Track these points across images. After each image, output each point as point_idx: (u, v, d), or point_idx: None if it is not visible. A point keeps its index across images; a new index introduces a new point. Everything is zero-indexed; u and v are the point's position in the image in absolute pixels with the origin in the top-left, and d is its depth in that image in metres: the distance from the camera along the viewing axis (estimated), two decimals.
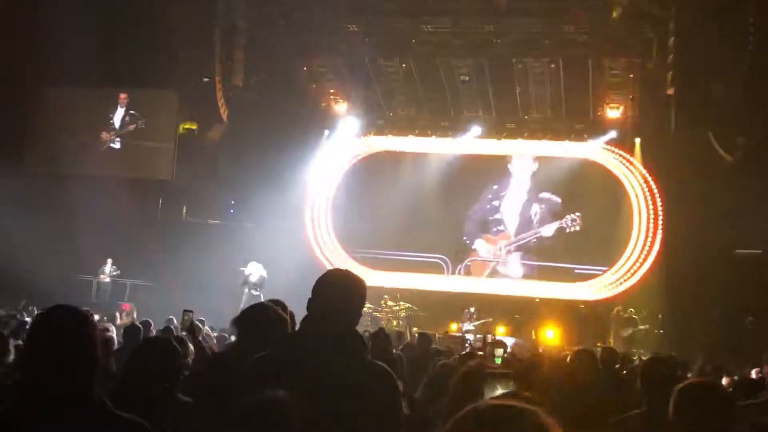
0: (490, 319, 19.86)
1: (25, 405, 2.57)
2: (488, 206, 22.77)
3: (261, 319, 3.95)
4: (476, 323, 19.67)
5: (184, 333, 6.42)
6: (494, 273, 22.39)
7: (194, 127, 22.22)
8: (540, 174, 22.42)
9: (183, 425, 3.71)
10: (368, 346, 3.35)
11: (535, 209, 22.23)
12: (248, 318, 4.04)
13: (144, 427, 2.70)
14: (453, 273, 22.39)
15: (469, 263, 22.45)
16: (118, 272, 20.41)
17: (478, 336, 17.46)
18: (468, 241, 22.74)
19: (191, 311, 5.93)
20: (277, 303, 4.55)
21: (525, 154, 22.60)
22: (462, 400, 1.65)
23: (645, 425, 3.88)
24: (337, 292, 3.28)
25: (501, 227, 22.61)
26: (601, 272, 21.18)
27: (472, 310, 20.04)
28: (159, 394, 3.83)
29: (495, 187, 22.81)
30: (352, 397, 3.03)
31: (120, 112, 22.64)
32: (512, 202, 22.65)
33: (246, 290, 18.57)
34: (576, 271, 21.36)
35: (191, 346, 6.16)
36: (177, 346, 4.12)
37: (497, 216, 22.68)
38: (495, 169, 22.89)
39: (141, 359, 4.02)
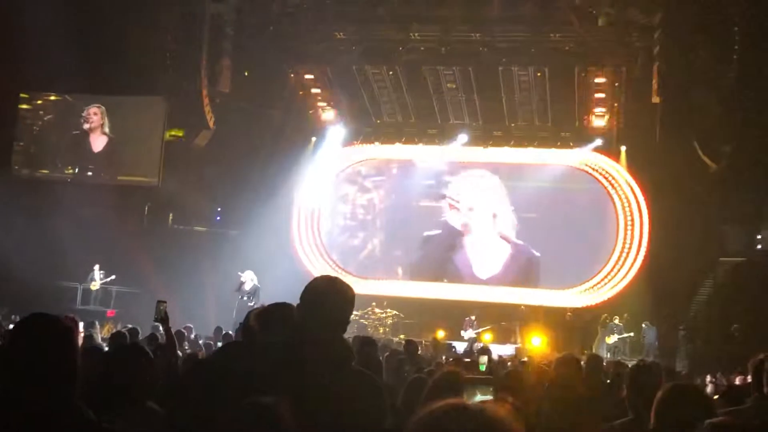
0: (488, 327, 19.90)
1: (5, 418, 2.48)
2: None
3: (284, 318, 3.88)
4: (478, 330, 19.71)
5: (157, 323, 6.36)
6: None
7: (181, 134, 22.17)
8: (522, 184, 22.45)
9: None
10: (354, 353, 3.34)
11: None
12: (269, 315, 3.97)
13: None
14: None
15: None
16: (112, 278, 20.22)
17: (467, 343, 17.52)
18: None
19: (165, 301, 5.91)
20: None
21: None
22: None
23: None
24: (325, 299, 3.26)
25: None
26: (586, 280, 21.22)
27: (473, 317, 20.05)
28: (129, 401, 3.80)
29: None
30: (337, 406, 3.02)
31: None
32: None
33: (239, 297, 18.55)
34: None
35: (179, 353, 6.14)
36: (149, 354, 4.09)
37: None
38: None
39: (110, 367, 3.99)
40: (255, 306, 16.70)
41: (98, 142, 22.52)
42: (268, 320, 4.13)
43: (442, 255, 22.41)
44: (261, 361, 3.41)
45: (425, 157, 23.13)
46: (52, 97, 23.16)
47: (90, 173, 22.59)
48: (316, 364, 3.12)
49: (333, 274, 22.22)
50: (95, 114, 22.46)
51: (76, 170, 22.61)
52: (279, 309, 3.99)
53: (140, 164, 22.49)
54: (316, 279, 3.42)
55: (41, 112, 23.20)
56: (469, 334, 19.54)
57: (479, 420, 1.50)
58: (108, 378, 3.89)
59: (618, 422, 4.09)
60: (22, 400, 2.49)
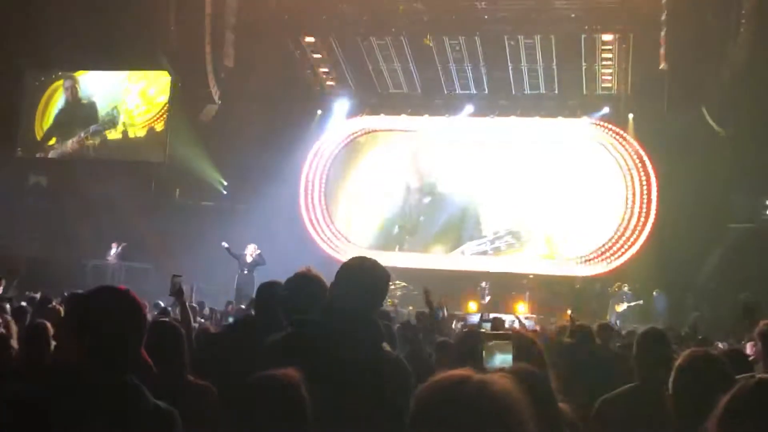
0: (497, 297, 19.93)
1: (67, 389, 2.48)
2: None
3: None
4: (489, 298, 19.75)
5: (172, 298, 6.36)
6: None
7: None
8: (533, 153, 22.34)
9: (196, 406, 3.69)
10: (384, 334, 3.35)
11: None
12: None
13: (175, 417, 2.65)
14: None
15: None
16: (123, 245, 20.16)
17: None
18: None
19: (180, 275, 5.92)
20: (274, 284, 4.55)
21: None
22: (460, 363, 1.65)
23: (636, 399, 3.89)
24: (361, 280, 3.29)
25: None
26: (595, 249, 21.21)
27: (485, 284, 20.05)
28: (171, 376, 3.81)
29: None
30: (364, 385, 3.03)
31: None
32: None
33: (240, 270, 18.58)
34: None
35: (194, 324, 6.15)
36: (180, 327, 4.10)
37: None
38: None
39: (150, 343, 3.99)
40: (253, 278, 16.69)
41: None
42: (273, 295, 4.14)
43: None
44: (280, 338, 3.41)
45: (431, 128, 23.04)
46: (55, 74, 23.14)
47: (96, 150, 22.68)
48: (346, 343, 3.13)
49: (341, 246, 22.41)
50: None
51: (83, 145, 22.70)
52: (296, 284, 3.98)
53: (146, 140, 22.56)
54: (352, 259, 3.46)
55: (45, 89, 23.19)
56: (485, 301, 19.54)
57: (482, 392, 1.50)
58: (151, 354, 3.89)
59: (621, 389, 4.10)
60: (87, 374, 2.48)
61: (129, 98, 22.72)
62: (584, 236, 21.33)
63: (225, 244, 18.28)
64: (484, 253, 22.15)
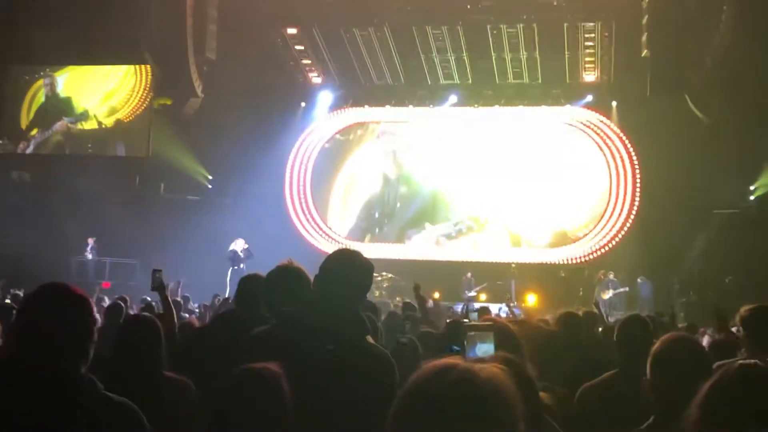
0: (485, 285, 19.96)
1: (11, 385, 2.47)
2: None
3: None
4: (477, 289, 19.79)
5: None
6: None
7: (169, 102, 22.04)
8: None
9: (172, 402, 3.68)
10: (369, 328, 3.34)
11: None
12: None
13: (133, 411, 2.62)
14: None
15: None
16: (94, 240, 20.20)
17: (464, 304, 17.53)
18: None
19: (160, 270, 5.88)
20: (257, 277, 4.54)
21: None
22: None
23: (616, 386, 3.88)
24: (344, 273, 3.28)
25: None
26: (579, 236, 21.30)
27: (470, 275, 20.13)
28: (147, 371, 3.79)
29: None
30: (347, 379, 3.03)
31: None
32: None
33: (231, 266, 18.59)
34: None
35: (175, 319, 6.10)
36: (158, 322, 4.07)
37: None
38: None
39: (125, 338, 3.97)
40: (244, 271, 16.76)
41: None
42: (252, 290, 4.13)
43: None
44: (264, 332, 3.41)
45: (415, 118, 23.07)
46: (38, 72, 23.05)
47: (78, 145, 22.67)
48: (330, 337, 3.13)
49: (326, 239, 22.43)
50: None
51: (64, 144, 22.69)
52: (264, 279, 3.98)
53: (128, 134, 22.50)
54: (335, 251, 3.44)
55: (30, 87, 23.12)
56: (468, 293, 19.61)
57: (471, 379, 1.49)
58: (122, 351, 3.87)
59: (605, 375, 4.08)
60: (30, 368, 2.47)
61: (101, 90, 22.69)
62: (569, 223, 21.42)
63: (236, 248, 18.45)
64: (449, 236, 22.32)
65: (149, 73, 22.07)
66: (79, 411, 2.49)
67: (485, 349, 2.74)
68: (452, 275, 20.28)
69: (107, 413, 2.55)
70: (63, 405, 2.47)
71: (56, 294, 2.61)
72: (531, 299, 18.78)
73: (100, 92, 22.65)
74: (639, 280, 19.16)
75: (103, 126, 22.49)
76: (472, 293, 19.60)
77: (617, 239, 20.80)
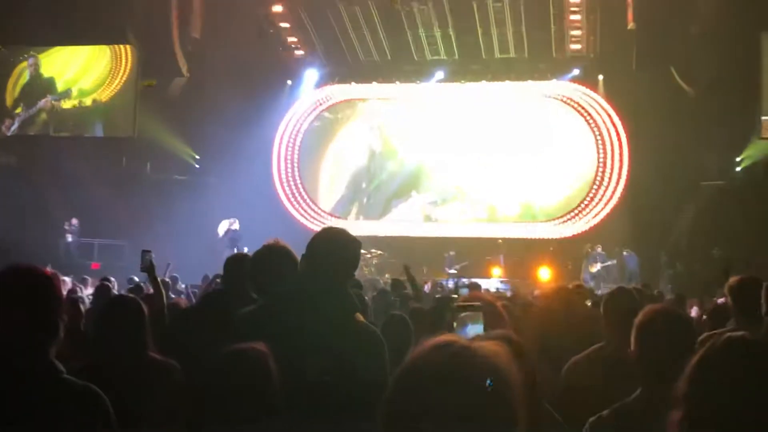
0: (466, 263, 19.98)
1: None
2: None
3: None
4: (458, 266, 19.82)
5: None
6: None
7: (154, 82, 21.87)
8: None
9: (156, 384, 3.66)
10: (357, 305, 3.33)
11: None
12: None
13: (95, 396, 2.54)
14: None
15: None
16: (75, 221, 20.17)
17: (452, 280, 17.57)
18: None
19: (150, 251, 5.84)
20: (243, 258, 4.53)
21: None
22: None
23: (602, 359, 3.89)
24: (331, 251, 3.26)
25: None
26: (568, 211, 21.35)
27: (452, 253, 20.17)
28: (130, 353, 3.76)
29: None
30: (335, 358, 3.02)
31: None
32: None
33: (224, 246, 18.60)
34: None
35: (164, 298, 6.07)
36: (142, 303, 4.04)
37: None
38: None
39: (108, 319, 3.93)
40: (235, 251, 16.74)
41: None
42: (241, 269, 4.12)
43: None
44: (251, 311, 3.40)
45: (402, 95, 23.01)
46: (20, 50, 22.88)
47: (64, 126, 22.57)
48: (318, 315, 3.12)
49: (315, 217, 22.41)
50: None
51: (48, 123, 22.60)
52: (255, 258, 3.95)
53: (114, 115, 22.41)
54: (322, 230, 3.43)
55: (14, 67, 22.97)
56: (449, 270, 19.66)
57: (471, 357, 1.49)
58: (109, 330, 3.82)
59: (591, 349, 4.08)
60: None
61: (83, 70, 22.57)
62: (556, 197, 21.47)
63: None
64: (435, 203, 22.50)
65: (130, 53, 21.93)
66: (35, 397, 2.42)
67: (476, 329, 2.74)
68: (440, 252, 20.35)
69: (67, 399, 2.47)
70: (19, 391, 2.40)
71: (15, 276, 2.53)
72: (544, 274, 18.65)
73: (82, 72, 22.55)
74: (624, 253, 19.23)
75: (83, 105, 22.38)
76: (452, 270, 19.62)
77: (606, 212, 20.85)
